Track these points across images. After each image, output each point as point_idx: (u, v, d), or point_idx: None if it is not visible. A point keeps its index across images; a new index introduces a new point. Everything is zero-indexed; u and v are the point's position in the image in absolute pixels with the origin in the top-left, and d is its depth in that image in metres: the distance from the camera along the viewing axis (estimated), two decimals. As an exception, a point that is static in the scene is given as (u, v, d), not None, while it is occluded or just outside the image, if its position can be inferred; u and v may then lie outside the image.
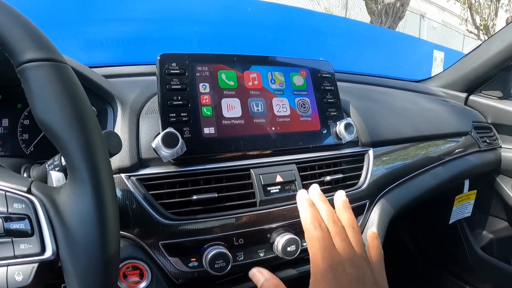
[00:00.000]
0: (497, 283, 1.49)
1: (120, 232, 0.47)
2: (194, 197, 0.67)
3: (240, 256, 0.71)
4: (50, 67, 0.42)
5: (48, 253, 0.43)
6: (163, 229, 0.65)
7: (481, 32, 9.24)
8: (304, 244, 0.76)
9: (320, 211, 0.62)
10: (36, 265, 0.43)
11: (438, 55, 3.25)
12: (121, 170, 0.65)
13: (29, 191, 0.44)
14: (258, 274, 0.60)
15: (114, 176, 0.65)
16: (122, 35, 1.28)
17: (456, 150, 1.21)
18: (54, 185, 0.51)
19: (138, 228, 0.65)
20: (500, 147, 1.45)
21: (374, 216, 0.87)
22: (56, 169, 0.56)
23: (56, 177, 0.53)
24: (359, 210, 0.84)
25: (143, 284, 0.66)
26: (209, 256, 0.65)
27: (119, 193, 0.65)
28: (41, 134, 0.78)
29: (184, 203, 0.67)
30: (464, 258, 1.53)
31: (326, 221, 0.59)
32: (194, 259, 0.68)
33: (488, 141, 1.38)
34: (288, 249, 0.71)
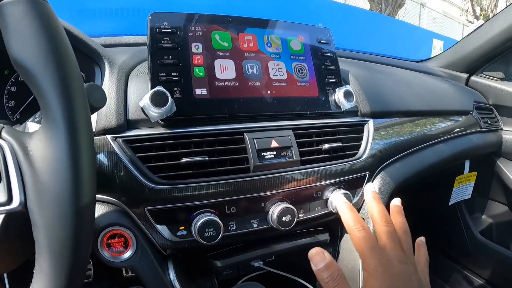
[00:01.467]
0: (495, 268, 1.46)
1: (96, 181, 0.43)
2: (184, 160, 0.63)
3: (232, 225, 0.67)
4: (28, 3, 0.38)
5: (15, 203, 0.39)
6: (150, 194, 0.61)
7: (481, 22, 9.14)
8: (301, 215, 0.72)
9: (373, 210, 0.59)
10: (2, 216, 0.38)
11: (437, 44, 3.21)
12: (106, 131, 0.61)
13: None
14: (318, 256, 0.54)
15: (99, 137, 0.61)
16: (116, 6, 1.23)
17: (457, 129, 1.18)
18: (29, 133, 0.47)
19: (123, 192, 0.61)
20: (502, 129, 1.41)
21: (374, 189, 0.83)
22: (35, 121, 0.52)
23: (32, 127, 0.48)
24: (359, 181, 0.81)
25: (128, 253, 0.62)
26: (199, 223, 0.61)
27: (104, 156, 0.60)
28: (28, 101, 0.74)
29: (173, 167, 0.63)
30: (463, 242, 1.50)
31: (379, 220, 0.57)
32: (183, 227, 0.64)
33: (489, 122, 1.35)
34: (284, 219, 0.67)
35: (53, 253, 0.38)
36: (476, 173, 1.37)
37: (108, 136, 0.61)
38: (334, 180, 0.75)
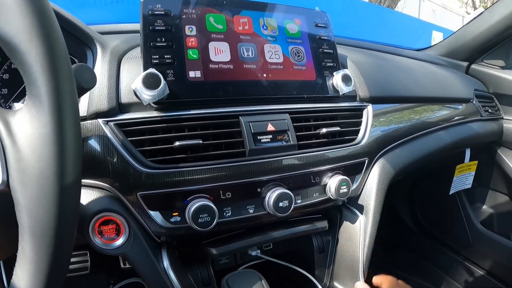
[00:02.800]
0: (496, 258, 1.45)
1: (81, 159, 0.41)
2: (177, 143, 0.61)
3: (227, 211, 0.65)
4: None
5: None
6: (142, 178, 0.59)
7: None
8: (299, 201, 0.71)
9: None
10: None
11: (437, 36, 3.18)
12: (98, 115, 0.59)
13: None
14: None
15: (90, 121, 0.59)
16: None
17: (457, 117, 1.16)
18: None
19: (115, 177, 0.59)
20: (502, 118, 1.39)
21: (374, 175, 0.82)
22: (22, 102, 0.50)
23: (17, 107, 0.47)
24: (358, 167, 0.79)
25: (120, 240, 0.61)
26: (193, 209, 0.59)
27: (95, 140, 0.59)
28: (20, 88, 0.72)
29: (166, 151, 0.61)
30: (464, 233, 1.49)
31: None
32: (177, 213, 0.62)
33: (490, 110, 1.33)
34: (280, 204, 0.65)
35: (35, 234, 0.36)
36: (476, 162, 1.35)
37: (100, 120, 0.59)
38: (332, 166, 0.74)
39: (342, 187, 0.72)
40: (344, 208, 0.84)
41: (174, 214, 0.62)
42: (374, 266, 1.61)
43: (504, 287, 1.44)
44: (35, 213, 0.36)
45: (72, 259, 1.17)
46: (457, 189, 1.34)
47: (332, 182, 0.72)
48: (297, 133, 0.70)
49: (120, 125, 0.60)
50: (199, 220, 0.59)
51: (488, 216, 1.52)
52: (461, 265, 1.53)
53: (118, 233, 0.61)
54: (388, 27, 2.92)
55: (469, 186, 1.37)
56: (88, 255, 1.24)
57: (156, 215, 0.61)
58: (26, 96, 0.38)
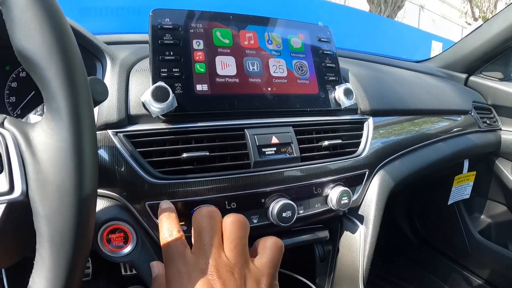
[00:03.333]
0: (495, 268, 1.46)
1: (98, 172, 0.43)
2: (184, 155, 0.63)
3: None
4: None
5: (17, 192, 0.38)
6: (150, 188, 0.61)
7: (480, 24, 9.14)
8: (301, 211, 0.73)
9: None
10: (3, 205, 0.38)
11: (436, 46, 3.22)
12: (107, 126, 0.61)
13: (1, 125, 0.40)
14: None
15: (100, 132, 0.61)
16: (117, 5, 1.24)
17: (456, 128, 1.18)
18: (31, 124, 0.47)
19: (124, 187, 0.61)
20: (500, 129, 1.42)
21: (374, 186, 0.84)
22: (37, 113, 0.52)
23: (34, 119, 0.49)
24: (358, 179, 0.81)
25: (128, 248, 0.62)
26: None
27: (105, 150, 0.60)
28: (28, 97, 0.74)
29: (174, 162, 0.63)
30: (462, 242, 1.50)
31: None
32: (183, 223, 0.64)
33: (488, 122, 1.35)
34: (284, 215, 0.67)
35: (54, 243, 0.38)
36: (475, 172, 1.37)
37: (109, 131, 0.61)
38: (334, 177, 0.76)
39: (343, 198, 0.74)
40: (345, 218, 0.86)
41: (180, 223, 0.64)
42: (373, 275, 1.63)
43: (502, 297, 1.46)
44: (55, 222, 0.38)
45: None
46: (456, 199, 1.36)
47: (334, 193, 0.74)
48: (300, 146, 0.72)
49: (129, 136, 0.62)
50: None
51: (486, 226, 1.54)
52: (460, 274, 1.54)
53: (126, 241, 0.62)
54: (388, 37, 2.95)
55: (468, 196, 1.39)
56: (90, 261, 1.26)
57: (164, 224, 0.63)
58: (45, 109, 0.40)
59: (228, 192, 0.65)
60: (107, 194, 0.62)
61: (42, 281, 0.38)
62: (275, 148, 0.69)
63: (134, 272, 0.94)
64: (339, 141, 0.77)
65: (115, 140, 0.61)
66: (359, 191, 0.81)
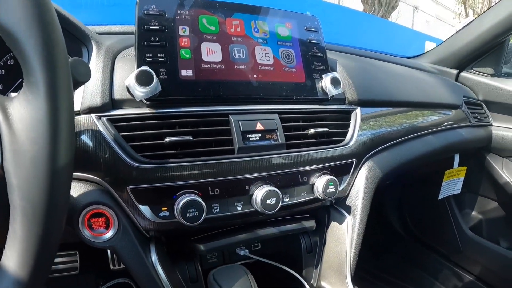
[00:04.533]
0: (486, 264, 1.46)
1: (74, 145, 0.42)
2: (167, 139, 0.62)
3: (215, 208, 0.66)
4: None
5: None
6: (133, 172, 0.60)
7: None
8: (286, 200, 0.72)
9: None
10: None
11: (430, 46, 3.22)
12: (91, 110, 0.61)
13: None
14: None
15: (84, 116, 0.60)
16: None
17: (447, 123, 1.18)
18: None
19: (106, 171, 0.60)
20: (491, 125, 1.42)
21: (362, 176, 0.83)
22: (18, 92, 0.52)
23: (14, 94, 0.48)
24: (345, 168, 0.80)
25: (109, 233, 0.61)
26: (181, 203, 0.61)
27: (88, 134, 0.60)
28: (16, 84, 0.73)
29: (157, 146, 0.63)
30: (453, 238, 1.50)
31: None
32: (165, 208, 0.63)
33: (479, 117, 1.35)
34: (268, 202, 0.66)
35: (26, 215, 0.37)
36: (465, 168, 1.37)
37: (93, 115, 0.60)
38: (320, 166, 0.75)
39: (329, 187, 0.73)
40: (332, 208, 0.85)
41: (163, 209, 0.63)
42: (364, 271, 1.63)
43: (494, 293, 1.46)
44: (27, 194, 0.37)
45: (61, 259, 1.15)
46: (446, 194, 1.36)
47: (320, 182, 0.73)
48: (286, 133, 0.71)
49: (113, 120, 0.61)
50: (188, 215, 0.61)
51: (477, 222, 1.54)
52: (450, 270, 1.54)
53: (107, 227, 0.62)
54: (382, 37, 2.96)
55: (458, 191, 1.39)
56: (78, 255, 1.24)
57: (145, 209, 0.62)
58: (24, 83, 0.40)
59: (212, 178, 0.65)
60: (89, 178, 0.61)
61: (14, 255, 0.38)
62: (259, 135, 0.69)
63: (122, 266, 0.93)
64: (326, 129, 0.77)
65: (99, 124, 0.60)
66: (346, 181, 0.81)
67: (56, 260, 1.15)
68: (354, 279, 0.80)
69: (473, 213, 1.56)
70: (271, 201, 0.66)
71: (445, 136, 1.15)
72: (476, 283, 1.51)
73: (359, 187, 0.82)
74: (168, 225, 0.64)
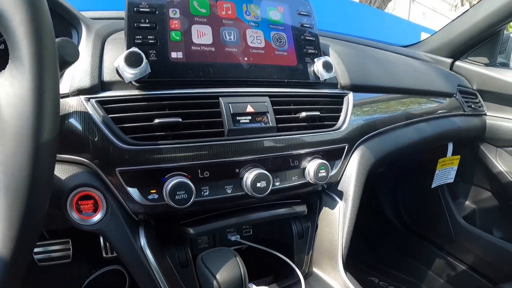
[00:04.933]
0: (479, 253, 1.47)
1: (58, 121, 0.42)
2: (156, 120, 0.62)
3: (205, 190, 0.66)
4: None
5: None
6: (121, 154, 0.60)
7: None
8: (277, 183, 0.72)
9: None
10: None
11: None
12: (80, 92, 0.60)
13: None
14: None
15: (72, 98, 0.60)
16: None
17: (440, 111, 1.18)
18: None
19: (95, 153, 0.60)
20: (485, 114, 1.41)
21: (354, 161, 0.83)
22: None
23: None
24: (337, 153, 0.80)
25: (97, 216, 0.61)
26: (170, 185, 0.60)
27: (77, 116, 0.59)
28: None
29: (146, 128, 0.62)
30: (446, 228, 1.51)
31: None
32: (154, 190, 0.63)
33: (473, 106, 1.35)
34: (258, 185, 0.66)
35: (9, 190, 0.37)
36: (459, 156, 1.37)
37: (82, 97, 0.60)
38: (312, 150, 0.75)
39: (320, 171, 0.73)
40: (324, 193, 0.85)
41: (151, 191, 0.63)
42: (359, 262, 1.64)
43: (487, 282, 1.46)
44: (11, 169, 0.37)
45: (54, 247, 1.16)
46: (439, 183, 1.36)
47: (311, 166, 0.73)
48: (277, 116, 0.71)
49: (102, 102, 0.61)
50: (176, 197, 0.60)
51: (471, 212, 1.54)
52: (444, 260, 1.55)
53: (95, 210, 0.61)
54: (377, 27, 2.95)
55: (452, 180, 1.39)
56: (70, 243, 1.24)
57: (134, 191, 0.62)
58: (9, 59, 0.39)
59: (201, 160, 0.64)
60: (77, 160, 0.61)
61: (-3, 232, 0.37)
62: (250, 117, 0.68)
63: (115, 254, 0.93)
64: (318, 113, 0.76)
65: (87, 106, 0.60)
66: (338, 165, 0.80)
67: (49, 248, 1.16)
68: (347, 268, 0.80)
69: (467, 202, 1.56)
70: (261, 184, 0.66)
71: (439, 124, 1.14)
72: (469, 272, 1.51)
73: (351, 172, 0.82)
74: (157, 208, 0.64)
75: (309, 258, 0.85)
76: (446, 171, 1.35)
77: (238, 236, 0.84)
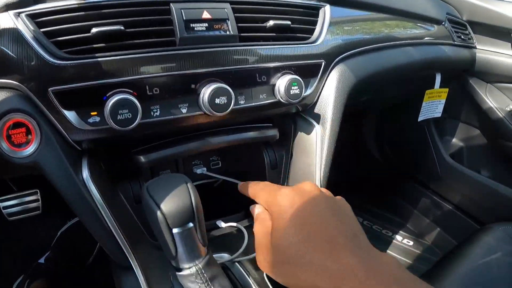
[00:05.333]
0: (465, 192, 1.43)
1: None
2: (94, 30, 0.51)
3: (155, 110, 0.56)
4: None
5: None
6: (54, 72, 0.50)
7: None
8: (242, 102, 0.63)
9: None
10: None
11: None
12: (8, 7, 0.50)
13: None
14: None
15: (1, 14, 0.50)
16: None
17: (428, 37, 1.09)
18: None
19: (24, 73, 0.50)
20: (475, 47, 1.32)
21: (332, 81, 0.73)
22: None
23: None
24: (312, 69, 0.71)
25: (31, 147, 0.52)
26: (111, 103, 0.51)
27: (5, 34, 0.49)
28: None
29: (83, 41, 0.52)
30: (432, 166, 1.45)
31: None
32: (95, 112, 0.53)
33: (462, 37, 1.26)
34: (217, 101, 0.57)
35: None
36: (447, 89, 1.29)
37: (11, 12, 0.50)
38: (282, 64, 0.65)
39: (293, 88, 0.64)
40: (299, 117, 0.76)
41: (92, 113, 0.53)
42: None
43: (473, 223, 1.43)
44: None
45: (22, 200, 1.13)
46: (426, 117, 1.29)
47: (282, 82, 0.63)
48: (239, 24, 0.60)
49: (32, 16, 0.50)
50: (118, 117, 0.51)
51: (458, 150, 1.49)
52: (429, 198, 1.51)
53: (29, 140, 0.52)
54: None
55: (439, 115, 1.32)
56: (39, 194, 1.16)
57: (71, 115, 0.52)
58: None
59: (148, 74, 0.54)
60: (5, 84, 0.50)
61: None
62: (206, 24, 0.57)
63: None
64: (288, 22, 0.66)
65: (17, 22, 0.49)
66: (314, 84, 0.71)
67: (17, 201, 1.13)
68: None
69: (454, 140, 1.50)
70: (220, 100, 0.57)
71: (427, 50, 1.05)
72: (455, 212, 1.48)
73: (329, 93, 0.73)
74: (100, 133, 0.55)
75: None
76: (433, 104, 1.27)
77: (205, 168, 0.75)
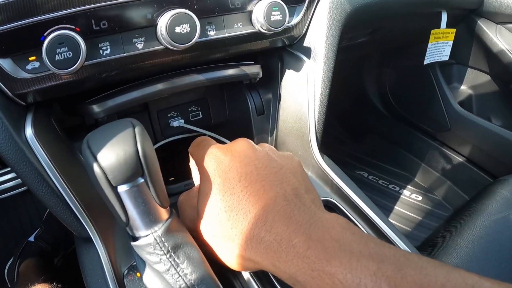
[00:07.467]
0: (476, 143, 1.33)
1: None
2: None
3: (105, 48, 0.46)
4: None
5: None
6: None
7: None
8: (212, 32, 0.52)
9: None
10: None
11: None
12: None
13: None
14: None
15: None
16: None
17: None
18: None
19: None
20: (483, -17, 1.20)
21: (323, 7, 0.62)
22: None
23: None
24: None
25: None
26: (46, 42, 0.41)
27: None
28: None
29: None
30: (440, 115, 1.35)
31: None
32: (34, 57, 0.44)
33: (468, -28, 1.13)
34: (177, 30, 0.46)
35: None
36: (454, 30, 1.17)
37: None
38: (259, -16, 0.54)
39: (274, 13, 0.53)
40: (286, 53, 0.65)
41: (30, 58, 0.43)
42: (345, 155, 1.50)
43: (485, 175, 1.35)
44: None
45: (6, 177, 1.09)
46: (433, 60, 1.17)
47: (259, 7, 0.53)
48: None
49: None
50: (57, 58, 0.41)
51: (467, 97, 1.39)
52: (437, 150, 1.42)
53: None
54: None
55: (446, 58, 1.20)
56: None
57: (6, 63, 0.43)
58: None
59: (92, 4, 0.44)
60: None
61: None
62: None
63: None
64: None
65: None
66: (301, 12, 0.60)
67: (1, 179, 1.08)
68: (325, 151, 0.63)
69: (462, 87, 1.39)
70: (181, 28, 0.46)
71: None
72: (466, 164, 1.40)
73: (321, 23, 0.62)
74: (42, 82, 0.45)
75: (273, 140, 0.68)
76: (440, 46, 1.15)
77: (182, 120, 0.65)
